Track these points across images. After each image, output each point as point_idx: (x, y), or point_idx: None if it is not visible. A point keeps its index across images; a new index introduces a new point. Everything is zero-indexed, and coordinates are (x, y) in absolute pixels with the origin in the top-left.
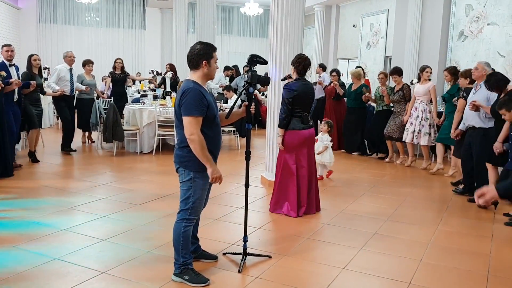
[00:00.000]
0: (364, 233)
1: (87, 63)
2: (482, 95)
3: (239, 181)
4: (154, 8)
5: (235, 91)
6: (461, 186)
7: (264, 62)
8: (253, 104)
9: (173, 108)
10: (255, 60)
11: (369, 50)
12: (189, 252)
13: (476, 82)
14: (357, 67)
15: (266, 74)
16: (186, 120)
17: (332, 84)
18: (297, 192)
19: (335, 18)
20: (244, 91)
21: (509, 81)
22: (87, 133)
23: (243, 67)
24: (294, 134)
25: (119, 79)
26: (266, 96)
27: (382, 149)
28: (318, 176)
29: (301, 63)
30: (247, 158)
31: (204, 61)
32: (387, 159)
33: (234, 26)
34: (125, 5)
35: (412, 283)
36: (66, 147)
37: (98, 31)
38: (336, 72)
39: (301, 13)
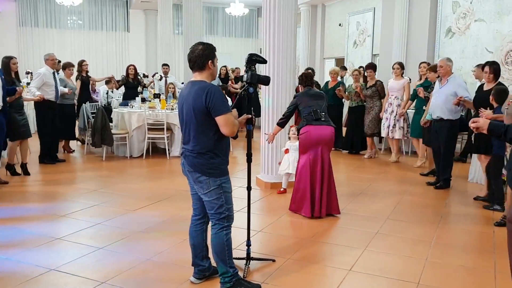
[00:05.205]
0: (366, 233)
1: (67, 66)
2: (450, 89)
3: (236, 183)
4: (137, 10)
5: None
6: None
7: (264, 61)
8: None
9: (164, 111)
10: (254, 59)
11: (356, 49)
12: (233, 260)
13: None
14: (342, 67)
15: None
16: (223, 119)
17: None
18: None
19: (321, 18)
20: (244, 92)
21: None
22: (64, 142)
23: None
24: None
25: (86, 82)
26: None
27: (355, 145)
28: (282, 189)
29: (302, 77)
30: (249, 160)
31: (209, 61)
32: (366, 156)
33: (219, 27)
34: (108, 7)
35: (421, 283)
36: (47, 159)
37: (81, 34)
38: (311, 70)
39: (293, 10)
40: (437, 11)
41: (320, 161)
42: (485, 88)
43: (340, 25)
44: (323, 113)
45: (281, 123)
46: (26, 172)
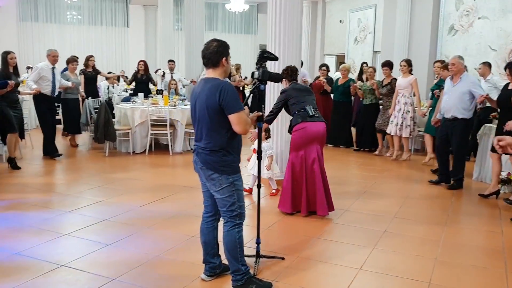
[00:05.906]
0: (373, 232)
1: (71, 61)
2: (464, 87)
3: None
4: (137, 6)
5: None
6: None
7: (275, 58)
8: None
9: (167, 108)
10: (265, 56)
11: (357, 46)
12: (244, 258)
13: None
14: (341, 63)
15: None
16: (236, 117)
17: (318, 81)
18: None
19: (322, 14)
20: (255, 89)
21: None
22: (69, 136)
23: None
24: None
25: (91, 77)
26: None
27: (368, 142)
28: (274, 191)
29: (288, 71)
30: (259, 158)
31: (223, 58)
32: (376, 152)
33: (219, 23)
34: (107, 2)
35: (432, 282)
36: (50, 153)
37: (81, 29)
38: (326, 67)
39: (299, 7)
40: (439, 8)
41: (317, 158)
42: (510, 87)
43: (341, 21)
44: (315, 109)
45: (269, 120)
46: (14, 166)
